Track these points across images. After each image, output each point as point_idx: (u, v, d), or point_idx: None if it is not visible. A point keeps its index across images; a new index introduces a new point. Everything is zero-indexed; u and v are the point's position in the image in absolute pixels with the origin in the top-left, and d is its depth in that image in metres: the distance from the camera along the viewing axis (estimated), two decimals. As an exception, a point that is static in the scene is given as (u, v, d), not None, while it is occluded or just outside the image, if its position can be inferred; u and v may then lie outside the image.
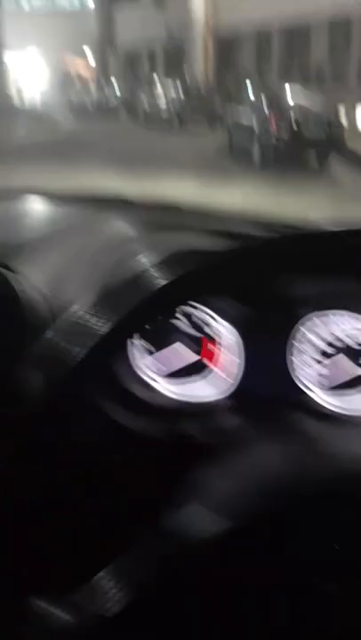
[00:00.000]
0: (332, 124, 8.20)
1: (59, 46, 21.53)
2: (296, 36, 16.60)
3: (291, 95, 9.05)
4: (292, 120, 7.98)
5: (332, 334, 0.77)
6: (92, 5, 23.87)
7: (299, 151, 7.80)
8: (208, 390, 0.77)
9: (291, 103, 8.63)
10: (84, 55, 23.34)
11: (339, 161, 7.73)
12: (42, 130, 8.04)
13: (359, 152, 7.86)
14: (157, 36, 20.21)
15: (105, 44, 22.49)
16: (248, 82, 15.10)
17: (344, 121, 9.16)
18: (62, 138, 8.34)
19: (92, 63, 23.35)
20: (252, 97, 9.39)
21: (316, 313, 0.76)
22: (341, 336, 0.78)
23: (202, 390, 0.77)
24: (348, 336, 0.78)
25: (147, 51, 22.14)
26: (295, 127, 7.90)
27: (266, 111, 8.40)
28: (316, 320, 0.76)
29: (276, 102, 8.59)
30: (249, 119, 8.56)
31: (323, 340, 0.77)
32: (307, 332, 0.77)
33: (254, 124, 8.30)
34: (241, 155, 8.41)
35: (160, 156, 7.74)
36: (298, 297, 0.76)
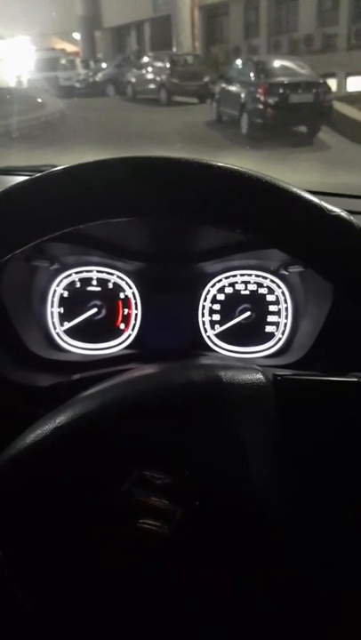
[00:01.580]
0: (321, 91, 8.10)
1: (42, 24, 21.05)
2: (284, 3, 16.24)
3: (278, 62, 8.92)
4: (281, 87, 7.89)
5: (221, 285, 0.85)
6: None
7: (287, 119, 7.72)
8: (111, 342, 0.85)
9: (279, 71, 8.51)
10: (68, 31, 22.85)
11: (328, 127, 7.65)
12: (29, 110, 7.96)
13: (348, 118, 7.77)
14: (143, 8, 19.76)
15: (89, 18, 22.00)
16: (235, 51, 14.85)
17: (333, 87, 9.04)
18: (50, 117, 8.25)
19: (78, 40, 22.87)
20: (239, 66, 9.24)
21: (207, 264, 0.84)
22: (229, 290, 0.87)
23: (105, 343, 0.85)
24: (232, 286, 0.87)
25: (133, 24, 21.66)
26: (283, 95, 7.81)
27: (254, 79, 8.30)
28: (206, 271, 0.84)
29: (264, 70, 8.47)
30: (237, 88, 8.47)
31: (212, 289, 0.85)
32: (199, 283, 0.84)
33: (242, 92, 8.21)
34: (229, 124, 8.33)
35: (147, 130, 7.67)
36: (188, 250, 0.83)
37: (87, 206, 0.41)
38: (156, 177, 0.41)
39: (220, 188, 0.40)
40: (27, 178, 0.41)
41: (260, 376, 0.42)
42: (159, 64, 13.01)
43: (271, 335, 0.86)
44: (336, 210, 0.39)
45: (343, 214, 0.39)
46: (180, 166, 0.41)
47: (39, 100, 9.22)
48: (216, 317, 0.86)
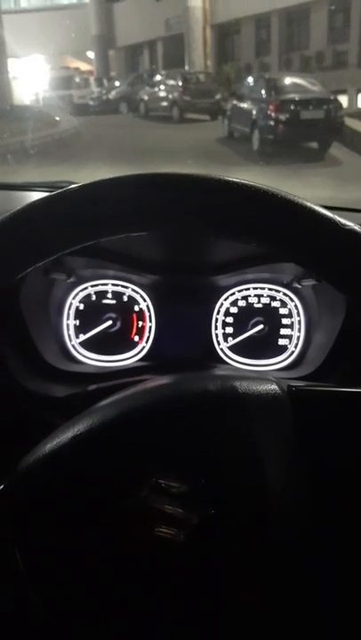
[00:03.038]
0: (332, 107, 8.15)
1: (57, 43, 21.48)
2: (295, 21, 16.44)
3: (289, 80, 9.00)
4: (292, 104, 7.95)
5: (235, 298, 0.86)
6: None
7: (298, 135, 7.76)
8: (125, 354, 0.86)
9: (290, 88, 8.58)
10: (82, 50, 23.25)
11: (339, 143, 7.68)
12: (43, 127, 8.11)
13: (359, 134, 7.80)
14: (156, 27, 20.10)
15: (103, 38, 22.40)
16: (247, 68, 15.01)
17: (344, 103, 9.09)
18: (64, 134, 8.39)
19: (92, 58, 23.26)
20: (251, 83, 9.34)
21: (220, 277, 0.85)
22: (242, 303, 0.88)
23: (119, 355, 0.86)
24: (245, 299, 0.88)
25: (146, 43, 22.02)
26: (294, 111, 7.86)
27: (265, 96, 8.38)
28: (220, 284, 0.85)
29: (275, 87, 8.54)
30: (248, 105, 8.55)
31: (225, 302, 0.86)
32: (212, 296, 0.86)
33: (254, 109, 8.28)
34: (240, 141, 8.41)
35: (160, 147, 7.76)
36: (202, 264, 0.84)
37: (106, 221, 0.43)
38: (174, 192, 0.42)
39: (235, 202, 0.41)
40: (46, 194, 0.43)
41: (275, 387, 0.43)
42: (171, 82, 13.17)
43: (284, 348, 0.87)
44: (349, 224, 0.40)
45: (356, 228, 0.40)
46: (197, 181, 0.42)
47: (53, 118, 9.39)
48: (229, 330, 0.87)
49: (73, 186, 0.43)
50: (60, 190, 0.43)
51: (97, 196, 0.42)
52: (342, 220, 0.41)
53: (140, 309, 0.86)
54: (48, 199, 0.43)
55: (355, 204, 0.96)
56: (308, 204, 0.41)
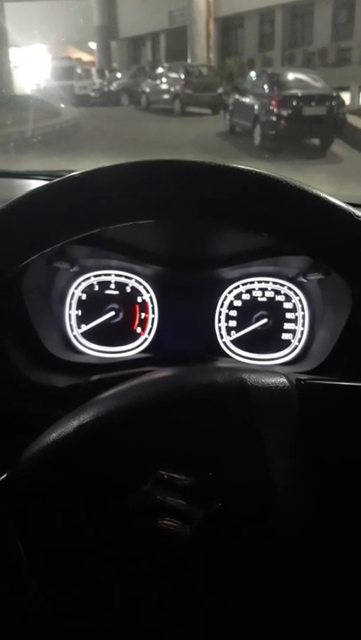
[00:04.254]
0: (334, 104, 8.13)
1: (59, 33, 21.34)
2: (299, 16, 16.37)
3: (292, 75, 8.97)
4: (294, 100, 7.93)
5: (239, 291, 0.85)
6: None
7: (300, 131, 7.75)
8: (128, 346, 0.86)
9: (292, 83, 8.55)
10: (85, 41, 23.12)
11: (341, 140, 7.67)
12: (44, 118, 8.07)
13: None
14: (159, 19, 19.99)
15: (106, 29, 22.26)
16: (250, 63, 14.95)
17: (347, 100, 9.07)
18: (65, 125, 8.35)
19: (94, 49, 23.14)
20: (253, 78, 9.31)
21: (225, 270, 0.84)
22: (246, 297, 0.87)
23: (121, 346, 0.86)
24: (250, 293, 0.87)
25: (149, 35, 21.90)
26: (296, 107, 7.84)
27: (267, 91, 8.35)
28: (224, 277, 0.84)
29: (278, 83, 8.52)
30: (250, 100, 8.52)
31: (229, 295, 0.86)
32: (216, 288, 0.85)
33: (256, 104, 8.26)
34: (242, 135, 8.39)
35: (161, 139, 7.73)
36: (206, 256, 0.83)
37: (112, 209, 0.42)
38: (184, 180, 0.41)
39: (248, 191, 0.41)
40: (52, 181, 0.42)
41: (283, 379, 0.42)
42: (174, 75, 13.12)
43: (288, 343, 0.86)
44: None
45: None
46: (208, 169, 0.41)
47: (55, 108, 9.34)
48: (232, 324, 0.86)
49: (75, 173, 0.42)
50: (62, 177, 0.42)
51: (102, 183, 0.41)
52: (358, 212, 0.40)
53: (143, 301, 0.85)
54: (51, 186, 0.42)
55: (356, 201, 0.96)
56: (323, 195, 0.40)
